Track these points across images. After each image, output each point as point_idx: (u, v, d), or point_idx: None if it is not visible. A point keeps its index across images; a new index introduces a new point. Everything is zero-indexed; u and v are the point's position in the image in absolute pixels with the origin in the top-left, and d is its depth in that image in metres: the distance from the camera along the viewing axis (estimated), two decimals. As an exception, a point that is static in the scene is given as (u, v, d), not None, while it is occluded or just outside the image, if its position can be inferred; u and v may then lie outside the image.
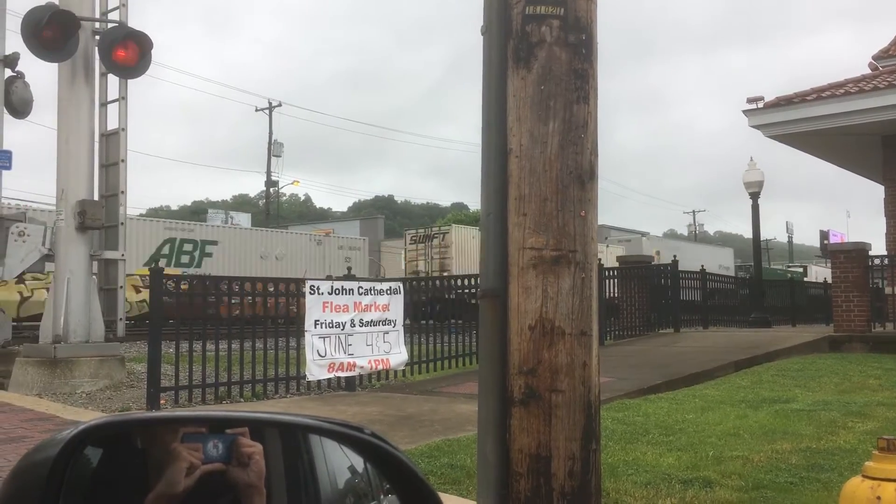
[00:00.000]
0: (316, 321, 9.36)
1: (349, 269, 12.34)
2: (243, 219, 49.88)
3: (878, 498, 2.64)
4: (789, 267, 57.10)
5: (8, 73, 10.83)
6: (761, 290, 22.24)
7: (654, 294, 17.37)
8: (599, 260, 3.56)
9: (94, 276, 10.87)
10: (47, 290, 12.88)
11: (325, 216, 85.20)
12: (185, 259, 28.74)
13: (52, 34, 9.77)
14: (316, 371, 9.34)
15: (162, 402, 8.46)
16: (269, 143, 47.19)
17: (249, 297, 9.71)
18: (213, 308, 9.45)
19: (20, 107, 10.71)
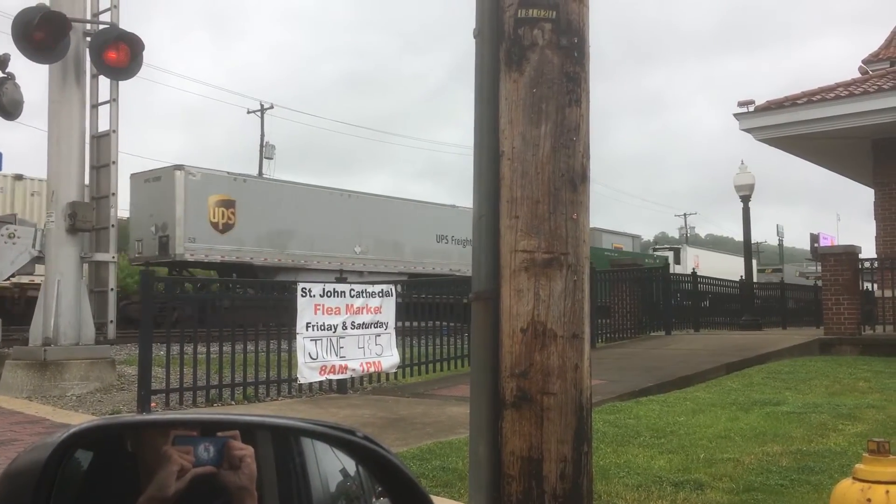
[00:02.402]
0: (307, 324, 9.34)
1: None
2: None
3: (869, 500, 2.65)
4: (655, 250, 44.62)
5: (-2, 74, 10.77)
6: (752, 293, 22.32)
7: (645, 297, 17.41)
8: (592, 263, 3.57)
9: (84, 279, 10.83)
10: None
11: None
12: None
13: (42, 35, 9.73)
14: (307, 374, 9.32)
15: (153, 405, 8.42)
16: (261, 145, 47.13)
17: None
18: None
19: (11, 108, 10.65)
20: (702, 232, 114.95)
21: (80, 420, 5.69)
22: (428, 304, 12.03)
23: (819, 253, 17.29)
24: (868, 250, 15.54)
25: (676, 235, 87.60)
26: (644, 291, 17.40)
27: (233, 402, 9.13)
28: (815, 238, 49.88)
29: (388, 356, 10.31)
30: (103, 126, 11.11)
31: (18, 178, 22.69)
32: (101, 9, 10.97)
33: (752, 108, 15.41)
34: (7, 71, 10.80)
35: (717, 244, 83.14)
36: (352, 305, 9.85)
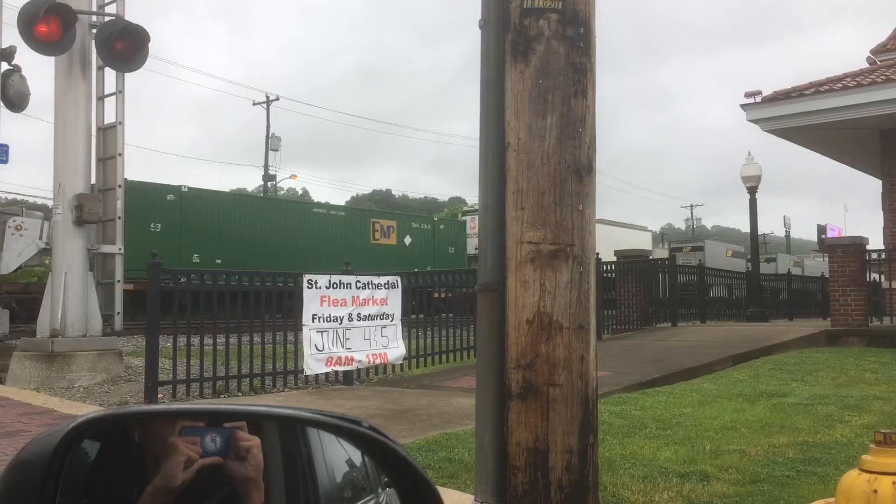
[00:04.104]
0: (314, 315, 9.36)
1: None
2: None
3: (875, 491, 2.65)
4: (464, 214, 36.55)
5: (4, 66, 10.80)
6: (759, 284, 22.29)
7: (652, 288, 17.39)
8: (597, 254, 3.57)
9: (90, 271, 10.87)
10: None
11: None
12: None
13: (48, 28, 9.74)
14: (314, 365, 9.35)
15: (160, 396, 8.46)
16: (267, 136, 47.21)
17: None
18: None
19: (17, 100, 10.67)
20: (708, 223, 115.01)
21: (87, 411, 5.72)
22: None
23: (826, 244, 17.22)
24: (876, 241, 15.48)
25: (683, 227, 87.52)
26: (650, 283, 17.37)
27: (239, 394, 9.16)
28: (822, 229, 49.64)
29: (394, 348, 10.33)
30: (109, 118, 11.14)
31: None
32: (106, 0, 10.97)
33: (759, 99, 15.33)
34: (13, 63, 10.83)
35: (723, 236, 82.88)
36: (358, 297, 9.86)
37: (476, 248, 32.02)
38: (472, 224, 35.42)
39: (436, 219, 34.68)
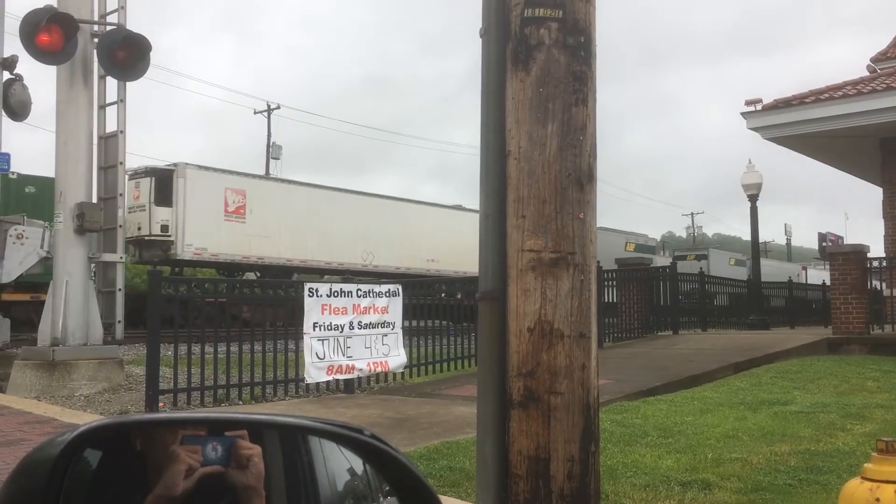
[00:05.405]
0: (315, 324, 9.36)
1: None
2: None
3: (878, 500, 2.64)
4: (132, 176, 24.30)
5: (6, 75, 10.83)
6: (760, 292, 22.28)
7: (652, 296, 17.38)
8: (598, 262, 3.56)
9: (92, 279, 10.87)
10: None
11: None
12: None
13: (50, 37, 9.77)
14: (314, 374, 9.34)
15: (161, 404, 8.45)
16: (268, 145, 47.28)
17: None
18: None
19: (19, 109, 10.71)
20: (710, 231, 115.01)
21: (88, 420, 5.71)
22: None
23: (827, 252, 17.22)
24: (877, 249, 15.49)
25: (684, 235, 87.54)
26: (651, 291, 17.36)
27: (240, 402, 9.15)
28: (823, 237, 49.66)
29: (395, 356, 10.32)
30: (111, 127, 11.15)
31: None
32: (108, 10, 11.01)
33: (759, 107, 15.35)
34: (15, 72, 10.86)
35: (724, 243, 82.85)
36: (359, 305, 9.86)
37: (150, 231, 25.81)
38: (136, 192, 23.45)
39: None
